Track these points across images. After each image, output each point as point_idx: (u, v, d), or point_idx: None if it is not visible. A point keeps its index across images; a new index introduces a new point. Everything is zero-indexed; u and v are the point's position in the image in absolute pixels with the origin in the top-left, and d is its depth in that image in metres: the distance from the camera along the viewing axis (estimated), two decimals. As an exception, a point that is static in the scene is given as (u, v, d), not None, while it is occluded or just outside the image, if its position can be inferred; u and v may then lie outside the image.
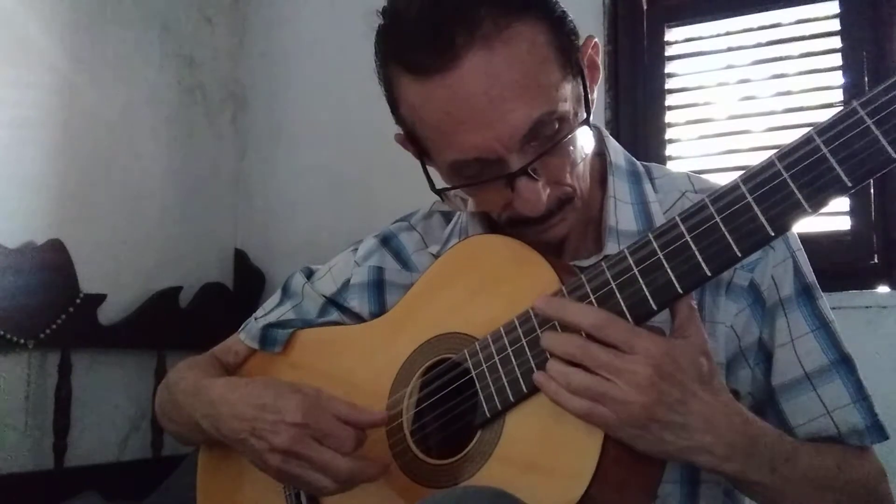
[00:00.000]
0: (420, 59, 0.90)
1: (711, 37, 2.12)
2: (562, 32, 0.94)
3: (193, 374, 1.15)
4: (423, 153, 1.00)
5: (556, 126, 0.92)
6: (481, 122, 0.89)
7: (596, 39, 1.00)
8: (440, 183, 1.00)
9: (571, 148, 0.94)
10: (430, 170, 1.02)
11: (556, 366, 0.84)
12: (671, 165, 2.09)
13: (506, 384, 0.90)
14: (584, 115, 0.95)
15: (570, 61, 0.94)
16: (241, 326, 1.25)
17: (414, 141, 1.00)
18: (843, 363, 0.99)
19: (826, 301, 1.02)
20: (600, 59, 1.01)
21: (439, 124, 0.92)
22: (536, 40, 0.91)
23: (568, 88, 0.93)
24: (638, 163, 1.11)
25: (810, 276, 1.03)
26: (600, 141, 1.08)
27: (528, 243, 0.97)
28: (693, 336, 0.83)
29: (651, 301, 0.82)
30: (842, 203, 1.90)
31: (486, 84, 0.88)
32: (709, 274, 0.80)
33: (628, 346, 0.81)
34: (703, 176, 1.12)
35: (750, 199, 0.78)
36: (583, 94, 0.96)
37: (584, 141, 0.95)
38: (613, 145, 1.10)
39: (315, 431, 0.95)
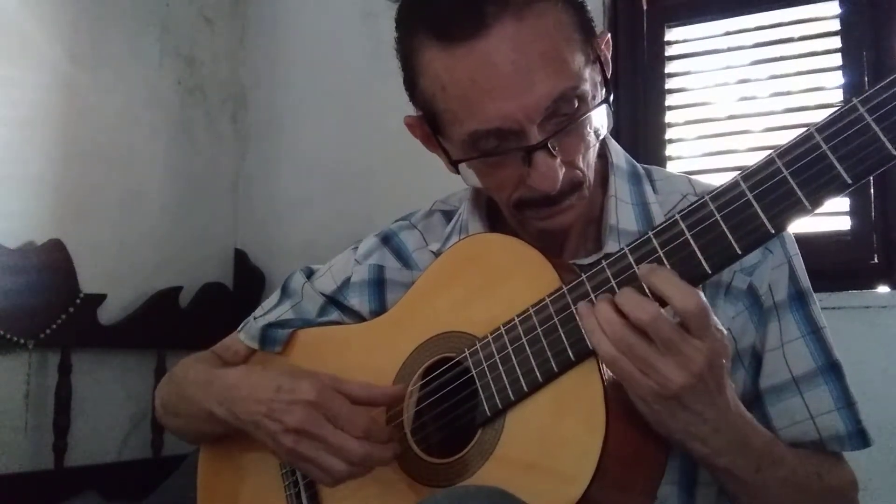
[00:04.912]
0: (449, 26, 0.91)
1: (711, 37, 2.12)
2: (583, 18, 0.96)
3: (203, 366, 1.16)
4: (437, 130, 1.00)
5: (576, 105, 0.93)
6: (507, 91, 0.90)
7: (609, 36, 1.01)
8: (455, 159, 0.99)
9: (587, 130, 0.96)
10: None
11: (611, 320, 0.81)
12: (671, 165, 2.10)
13: (506, 383, 0.90)
14: (601, 98, 0.96)
15: (591, 46, 0.96)
16: (240, 326, 1.25)
17: (430, 117, 0.99)
18: (832, 369, 1.00)
19: (819, 307, 1.03)
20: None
21: (464, 92, 0.92)
22: (561, 19, 0.93)
23: (588, 71, 0.95)
24: (638, 165, 1.11)
25: (805, 281, 1.03)
26: (601, 142, 1.08)
27: (529, 242, 0.97)
28: (720, 334, 0.82)
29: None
30: (842, 203, 1.90)
31: (514, 53, 0.89)
32: (709, 272, 0.80)
33: (698, 335, 0.79)
34: (703, 176, 1.12)
35: (750, 196, 0.78)
36: (600, 79, 0.97)
37: (598, 125, 0.96)
38: (614, 147, 1.10)
39: (327, 411, 0.95)
